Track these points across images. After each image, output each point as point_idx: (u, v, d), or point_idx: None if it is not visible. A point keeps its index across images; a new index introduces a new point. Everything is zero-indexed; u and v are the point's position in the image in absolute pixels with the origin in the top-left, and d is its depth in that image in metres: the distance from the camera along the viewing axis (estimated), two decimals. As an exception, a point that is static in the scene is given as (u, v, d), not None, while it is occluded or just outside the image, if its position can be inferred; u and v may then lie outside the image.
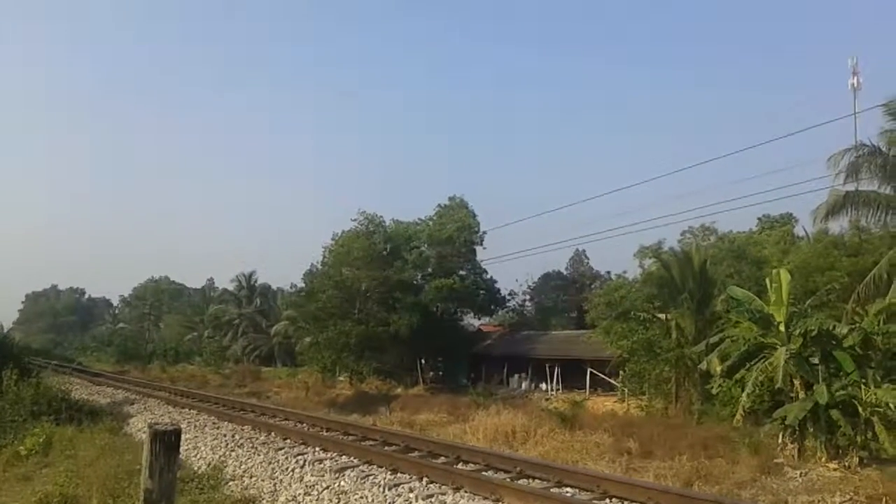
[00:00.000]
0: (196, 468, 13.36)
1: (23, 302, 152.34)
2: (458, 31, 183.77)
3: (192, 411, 23.42)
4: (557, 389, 42.41)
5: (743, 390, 18.53)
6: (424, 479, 11.62)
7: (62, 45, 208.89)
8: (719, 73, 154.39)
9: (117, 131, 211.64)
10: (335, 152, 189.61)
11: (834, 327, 17.35)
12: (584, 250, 66.82)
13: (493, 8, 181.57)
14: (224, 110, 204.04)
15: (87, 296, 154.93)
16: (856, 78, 34.97)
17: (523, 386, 45.69)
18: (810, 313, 18.99)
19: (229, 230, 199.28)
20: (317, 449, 14.92)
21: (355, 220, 51.54)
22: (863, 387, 16.42)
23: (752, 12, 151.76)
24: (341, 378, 48.07)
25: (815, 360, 17.71)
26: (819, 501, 12.59)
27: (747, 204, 34.39)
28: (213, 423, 19.87)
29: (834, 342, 17.44)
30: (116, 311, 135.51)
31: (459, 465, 13.18)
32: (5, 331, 32.38)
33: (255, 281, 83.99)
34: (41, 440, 16.52)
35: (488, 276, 55.56)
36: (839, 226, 29.62)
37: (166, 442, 4.15)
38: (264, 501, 11.42)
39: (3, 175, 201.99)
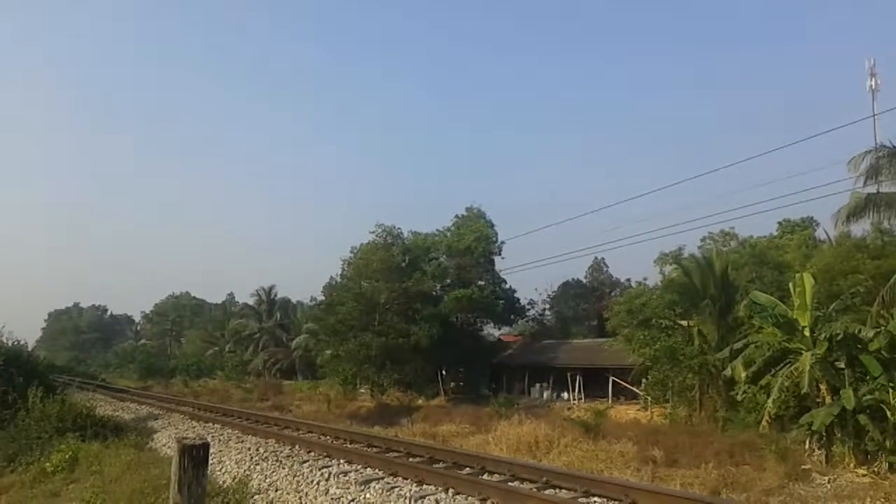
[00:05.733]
0: (221, 482, 13.37)
1: (45, 320, 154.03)
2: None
3: (215, 425, 23.47)
4: (580, 398, 42.27)
5: (768, 396, 18.40)
6: (450, 491, 11.55)
7: (88, 66, 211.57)
8: (735, 77, 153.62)
9: (138, 146, 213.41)
10: (354, 164, 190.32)
11: (859, 331, 17.17)
12: (602, 258, 66.67)
13: (515, 13, 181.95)
14: (247, 124, 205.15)
15: (109, 313, 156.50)
16: (874, 79, 34.65)
17: (545, 395, 45.55)
18: (835, 317, 18.81)
19: (249, 244, 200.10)
20: (341, 461, 14.89)
21: (373, 232, 51.80)
22: (891, 391, 16.22)
23: (768, 14, 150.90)
24: (362, 390, 48.12)
25: (841, 365, 17.57)
26: (849, 508, 12.44)
27: (767, 209, 34.10)
28: (237, 437, 19.91)
29: (860, 346, 17.27)
30: (138, 328, 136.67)
31: (485, 476, 13.10)
32: (29, 348, 32.56)
33: (275, 295, 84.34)
34: (67, 456, 16.65)
35: (507, 286, 55.65)
36: (861, 228, 29.37)
37: (195, 456, 4.16)
38: (290, 515, 11.42)
39: (25, 195, 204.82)
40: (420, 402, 43.02)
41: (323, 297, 56.22)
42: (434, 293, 50.83)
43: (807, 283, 18.55)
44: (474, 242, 51.34)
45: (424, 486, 12.04)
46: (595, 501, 11.13)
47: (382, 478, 12.86)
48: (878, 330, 17.54)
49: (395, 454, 15.97)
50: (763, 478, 14.99)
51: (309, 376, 64.19)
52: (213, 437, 19.94)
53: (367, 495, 11.64)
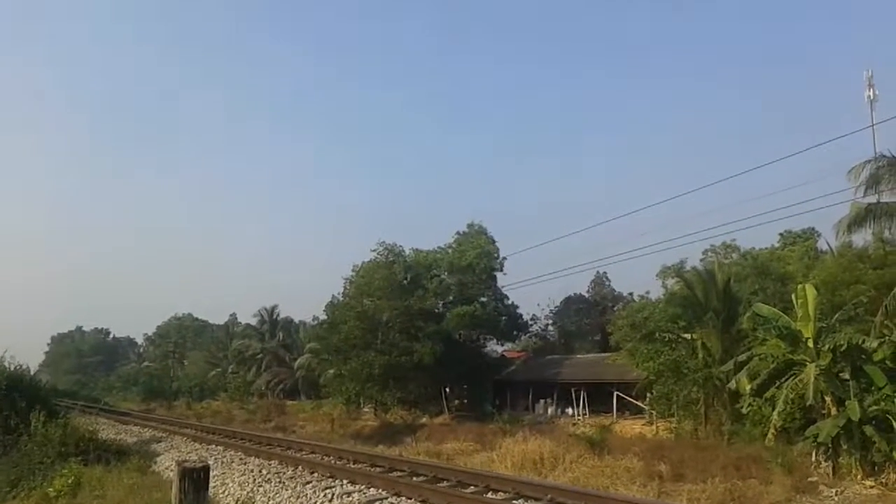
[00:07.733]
0: (224, 505, 13.31)
1: (48, 344, 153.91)
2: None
3: (218, 447, 23.40)
4: (584, 414, 42.05)
5: (773, 409, 18.32)
6: (454, 510, 11.50)
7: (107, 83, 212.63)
8: (734, 88, 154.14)
9: (139, 168, 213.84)
10: (356, 180, 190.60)
11: (863, 341, 17.12)
12: (605, 272, 66.46)
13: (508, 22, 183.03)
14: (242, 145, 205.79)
15: (111, 336, 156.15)
16: (872, 90, 34.81)
17: (549, 411, 45.32)
18: (838, 328, 18.76)
19: (250, 265, 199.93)
20: (345, 482, 14.82)
21: (375, 250, 51.77)
22: (896, 401, 16.15)
23: (764, 27, 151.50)
24: (366, 409, 47.96)
25: (846, 376, 17.50)
26: (857, 520, 12.34)
27: (768, 220, 34.04)
28: (241, 459, 19.84)
29: (864, 357, 17.22)
30: (141, 350, 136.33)
31: (489, 495, 13.04)
32: (32, 373, 32.51)
33: (277, 315, 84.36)
34: (70, 481, 16.54)
35: (510, 302, 55.45)
36: (862, 238, 29.34)
37: (195, 479, 4.16)
38: (294, 536, 11.33)
39: (28, 219, 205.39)
40: (424, 420, 42.86)
41: (325, 317, 56.16)
42: (436, 310, 50.67)
43: (809, 294, 18.51)
44: (476, 259, 51.20)
45: (428, 506, 11.98)
46: (601, 518, 11.06)
47: (386, 498, 12.80)
48: (882, 340, 17.50)
49: (399, 473, 15.91)
50: (770, 491, 14.91)
51: (312, 396, 64.04)
52: (216, 459, 19.88)
53: (371, 515, 11.58)
